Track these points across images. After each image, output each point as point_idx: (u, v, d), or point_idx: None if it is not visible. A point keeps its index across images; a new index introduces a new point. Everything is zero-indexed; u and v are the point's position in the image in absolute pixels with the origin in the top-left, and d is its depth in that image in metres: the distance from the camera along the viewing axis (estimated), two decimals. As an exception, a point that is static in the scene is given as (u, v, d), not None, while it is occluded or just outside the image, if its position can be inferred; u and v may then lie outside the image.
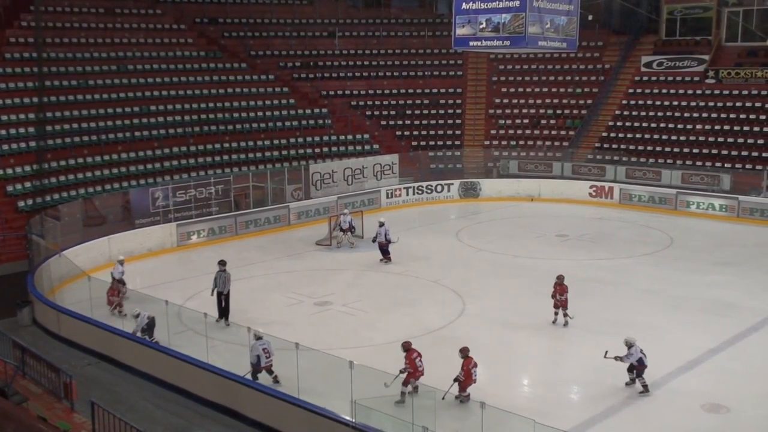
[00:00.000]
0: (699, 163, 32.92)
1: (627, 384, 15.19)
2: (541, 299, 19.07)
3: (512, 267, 23.77)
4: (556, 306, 18.49)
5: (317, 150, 35.06)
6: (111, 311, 18.78)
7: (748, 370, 16.01)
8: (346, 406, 13.03)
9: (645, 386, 14.90)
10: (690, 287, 21.47)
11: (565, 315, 18.40)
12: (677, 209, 30.84)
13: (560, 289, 18.38)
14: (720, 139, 33.59)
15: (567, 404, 15.10)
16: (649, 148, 34.71)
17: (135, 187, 28.49)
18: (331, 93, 38.99)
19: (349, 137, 36.27)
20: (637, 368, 14.95)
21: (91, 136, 30.02)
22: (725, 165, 32.17)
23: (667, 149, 34.31)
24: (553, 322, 18.51)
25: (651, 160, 33.90)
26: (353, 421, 12.82)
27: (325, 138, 35.82)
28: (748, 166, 31.76)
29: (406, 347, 14.49)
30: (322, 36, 41.53)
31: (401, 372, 14.20)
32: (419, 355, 14.35)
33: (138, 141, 31.08)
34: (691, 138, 34.26)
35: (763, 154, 32.04)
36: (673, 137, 34.65)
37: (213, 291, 18.92)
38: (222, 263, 19.06)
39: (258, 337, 15.05)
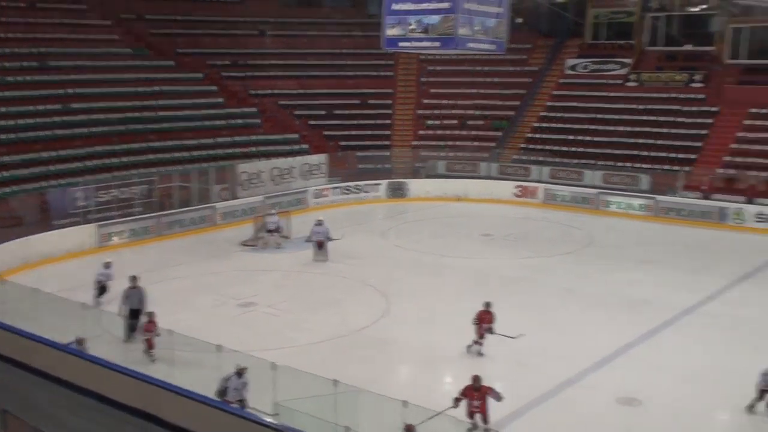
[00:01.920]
0: (620, 164, 33.81)
1: None
2: (466, 298, 19.12)
3: (438, 266, 24.02)
4: (481, 335, 16.70)
5: (245, 150, 34.72)
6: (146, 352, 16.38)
7: (661, 363, 16.56)
8: (267, 408, 12.95)
9: None
10: (608, 285, 22.09)
11: (479, 343, 16.80)
12: (598, 209, 31.68)
13: (488, 317, 16.63)
14: (640, 141, 34.59)
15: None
16: (572, 149, 35.49)
17: (56, 186, 27.62)
18: (260, 92, 38.67)
19: (278, 137, 36.05)
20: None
21: (9, 134, 29.00)
22: (644, 166, 33.15)
23: (590, 150, 35.11)
24: (479, 353, 16.83)
25: (574, 161, 34.73)
26: (275, 422, 12.74)
27: (254, 137, 35.49)
28: (665, 167, 32.81)
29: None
30: (251, 34, 41.15)
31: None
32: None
33: (59, 139, 30.17)
34: (613, 139, 35.19)
35: (680, 156, 33.17)
36: (596, 138, 35.50)
37: (121, 310, 17.08)
38: (133, 279, 17.37)
39: (240, 374, 13.59)
